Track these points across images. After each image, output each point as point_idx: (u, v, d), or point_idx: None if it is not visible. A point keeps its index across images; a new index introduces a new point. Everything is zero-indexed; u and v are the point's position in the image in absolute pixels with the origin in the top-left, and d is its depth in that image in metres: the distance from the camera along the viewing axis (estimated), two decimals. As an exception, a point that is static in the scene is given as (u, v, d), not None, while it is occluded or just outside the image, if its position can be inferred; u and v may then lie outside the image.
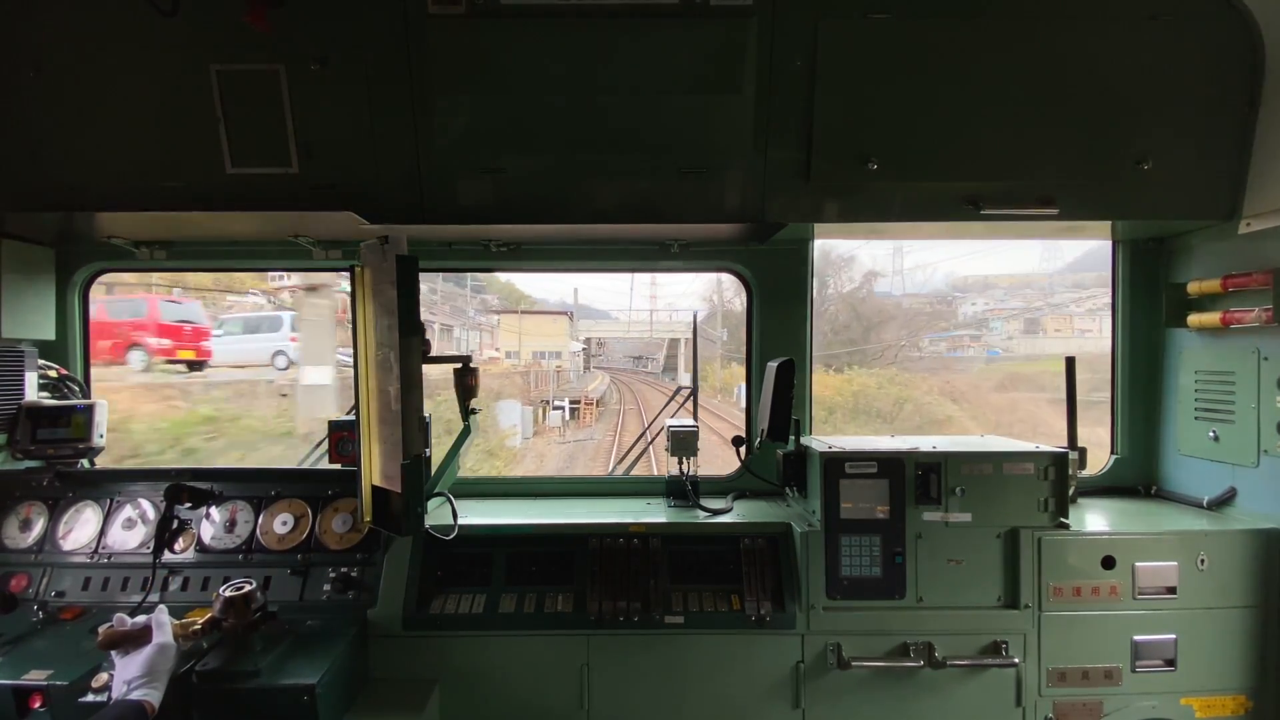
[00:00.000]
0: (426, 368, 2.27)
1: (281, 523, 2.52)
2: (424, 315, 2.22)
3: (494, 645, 2.34)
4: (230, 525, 2.53)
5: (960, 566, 2.34)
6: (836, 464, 2.37)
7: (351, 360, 2.38)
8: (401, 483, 2.15)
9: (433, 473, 2.59)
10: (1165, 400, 2.94)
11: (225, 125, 2.36)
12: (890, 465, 2.36)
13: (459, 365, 2.50)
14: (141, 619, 1.91)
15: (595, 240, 2.94)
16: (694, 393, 3.32)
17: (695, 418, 3.03)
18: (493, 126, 2.42)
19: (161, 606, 1.98)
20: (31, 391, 2.74)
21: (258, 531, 2.51)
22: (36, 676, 1.90)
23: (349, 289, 2.35)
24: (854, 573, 2.35)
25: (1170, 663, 2.32)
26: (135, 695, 1.74)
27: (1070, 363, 2.86)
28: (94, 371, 3.07)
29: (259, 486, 2.60)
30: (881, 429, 11.53)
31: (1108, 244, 3.08)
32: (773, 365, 2.64)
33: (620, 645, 2.34)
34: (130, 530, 2.53)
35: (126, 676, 1.78)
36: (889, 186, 2.45)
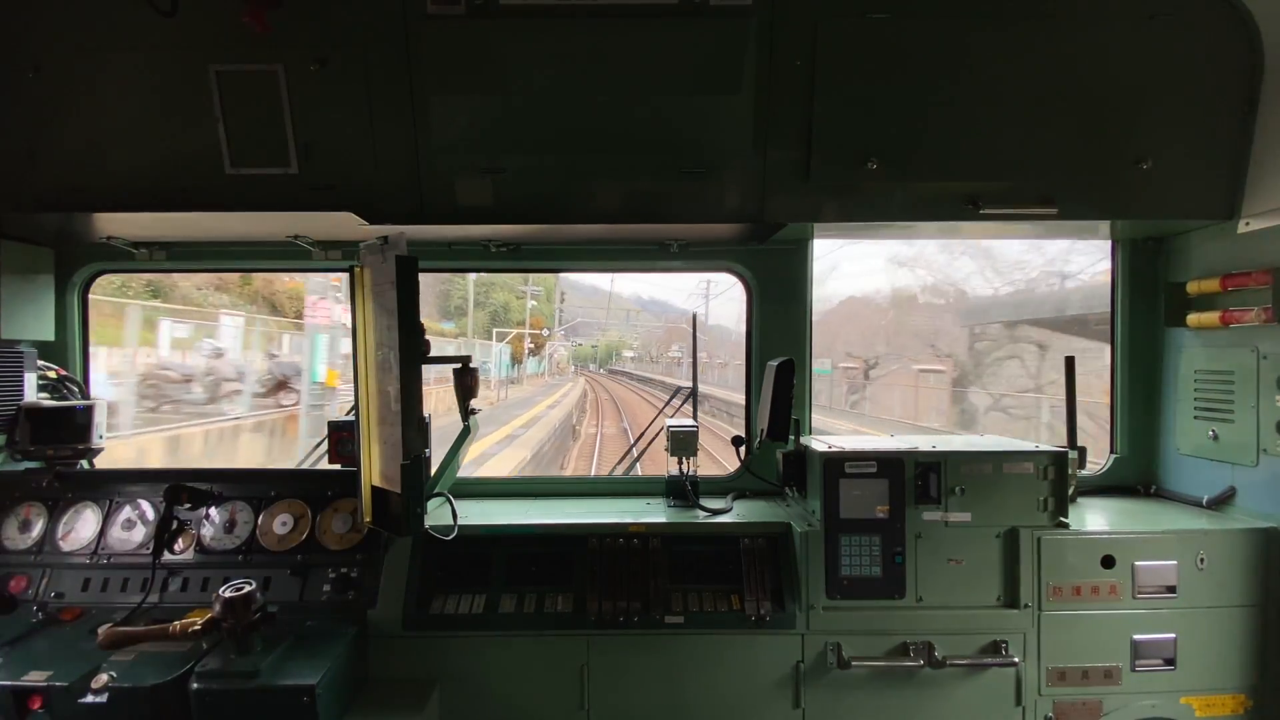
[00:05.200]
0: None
1: (281, 523, 2.52)
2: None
3: (494, 645, 2.34)
4: (230, 526, 2.52)
5: (960, 566, 2.34)
6: (836, 464, 2.37)
7: (351, 360, 2.38)
8: (401, 483, 2.15)
9: (432, 473, 2.59)
10: (1164, 400, 2.94)
11: (224, 126, 2.36)
12: (890, 465, 2.36)
13: (458, 365, 2.50)
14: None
15: (595, 240, 2.94)
16: (694, 393, 3.32)
17: (695, 418, 3.04)
18: (492, 126, 2.42)
19: None
20: (31, 392, 2.74)
21: (257, 532, 2.51)
22: (36, 678, 1.90)
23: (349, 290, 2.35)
24: (854, 572, 2.35)
25: (1170, 662, 2.32)
26: None
27: (1070, 362, 2.86)
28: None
29: (258, 487, 2.60)
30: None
31: None
32: (773, 365, 2.64)
33: (620, 645, 2.34)
34: (130, 531, 2.53)
35: None
36: (889, 186, 2.45)
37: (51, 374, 2.85)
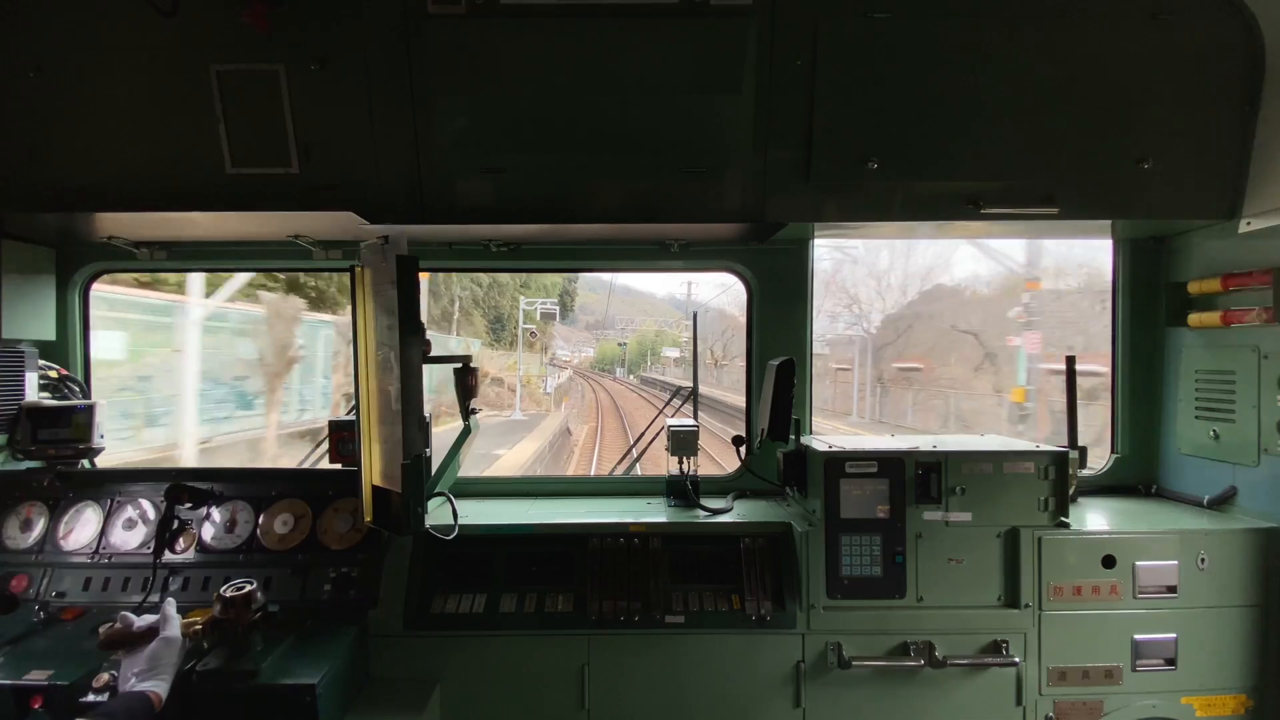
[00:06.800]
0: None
1: (282, 523, 2.52)
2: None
3: (494, 645, 2.34)
4: (231, 525, 2.53)
5: (960, 566, 2.34)
6: (837, 463, 2.37)
7: (352, 360, 2.38)
8: (402, 483, 2.15)
9: (433, 473, 2.59)
10: (1165, 399, 2.94)
11: (225, 125, 2.36)
12: (890, 465, 2.36)
13: (459, 365, 2.50)
14: (149, 618, 1.91)
15: (595, 240, 2.94)
16: (694, 393, 3.32)
17: (695, 417, 3.04)
18: (493, 126, 2.42)
19: (170, 600, 1.98)
20: (32, 392, 2.74)
21: (258, 531, 2.51)
22: (37, 677, 1.90)
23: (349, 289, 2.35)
24: (854, 572, 2.35)
25: (1170, 662, 2.32)
26: (141, 687, 1.74)
27: (1070, 362, 2.86)
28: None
29: (259, 486, 2.60)
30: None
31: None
32: (773, 364, 2.64)
33: (620, 645, 2.34)
34: (131, 530, 2.53)
35: (134, 669, 1.80)
36: (889, 186, 2.45)
37: (52, 373, 2.86)
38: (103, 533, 2.53)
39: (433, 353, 2.29)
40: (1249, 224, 2.46)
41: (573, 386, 34.11)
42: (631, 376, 43.10)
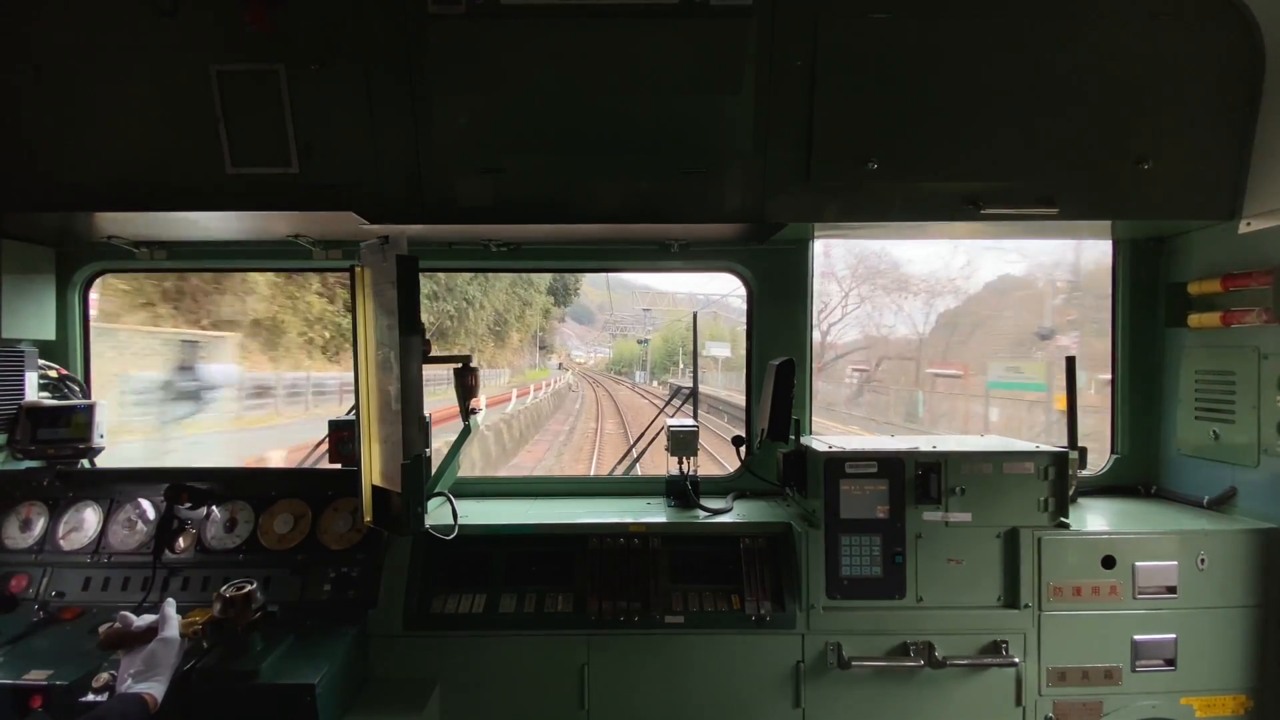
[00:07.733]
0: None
1: (282, 523, 2.52)
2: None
3: (494, 645, 2.34)
4: (230, 525, 2.52)
5: (960, 566, 2.34)
6: (837, 464, 2.37)
7: (352, 360, 2.38)
8: (401, 482, 2.15)
9: (432, 473, 2.59)
10: (1165, 400, 2.94)
11: (225, 125, 2.36)
12: (890, 465, 2.36)
13: (459, 365, 2.50)
14: (148, 618, 1.91)
15: (595, 240, 2.94)
16: (694, 393, 3.32)
17: (695, 417, 3.04)
18: (493, 126, 2.42)
19: (170, 600, 1.98)
20: (32, 391, 2.74)
21: (258, 531, 2.51)
22: (37, 677, 1.90)
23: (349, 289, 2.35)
24: (854, 572, 2.35)
25: (1170, 662, 2.32)
26: (137, 688, 1.74)
27: (1070, 362, 2.86)
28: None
29: (259, 486, 2.60)
30: None
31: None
32: (773, 364, 2.63)
33: (620, 645, 2.34)
34: (130, 530, 2.53)
35: (131, 670, 1.80)
36: (889, 186, 2.45)
37: (52, 373, 2.86)
38: (102, 532, 2.52)
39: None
40: (1249, 224, 2.46)
41: (565, 401, 28.31)
42: (656, 383, 35.12)
